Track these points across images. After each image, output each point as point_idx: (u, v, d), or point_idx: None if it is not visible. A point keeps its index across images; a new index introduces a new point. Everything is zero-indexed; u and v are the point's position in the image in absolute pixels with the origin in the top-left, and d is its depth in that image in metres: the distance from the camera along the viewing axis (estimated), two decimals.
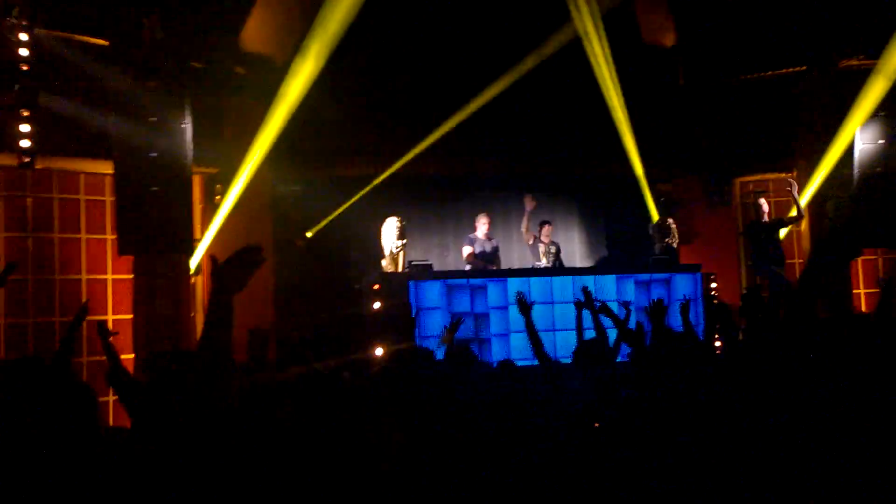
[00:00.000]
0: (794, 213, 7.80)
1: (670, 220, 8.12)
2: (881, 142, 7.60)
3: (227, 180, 7.37)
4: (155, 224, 6.40)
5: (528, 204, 8.06)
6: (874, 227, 7.74)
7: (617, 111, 7.74)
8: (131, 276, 7.04)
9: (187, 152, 6.49)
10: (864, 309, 8.26)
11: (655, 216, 8.24)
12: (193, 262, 7.28)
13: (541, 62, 7.60)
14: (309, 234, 8.18)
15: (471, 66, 7.79)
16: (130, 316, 6.96)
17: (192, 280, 7.52)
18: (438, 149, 7.76)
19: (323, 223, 8.10)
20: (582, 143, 8.10)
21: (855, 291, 8.35)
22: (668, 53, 8.23)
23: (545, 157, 8.29)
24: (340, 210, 8.04)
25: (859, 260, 8.49)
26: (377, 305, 7.03)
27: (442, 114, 7.63)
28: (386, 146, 7.90)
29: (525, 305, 4.06)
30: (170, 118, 6.34)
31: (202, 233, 7.46)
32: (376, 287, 7.35)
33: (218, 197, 7.56)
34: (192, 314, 7.47)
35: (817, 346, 3.50)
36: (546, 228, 8.09)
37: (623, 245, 8.70)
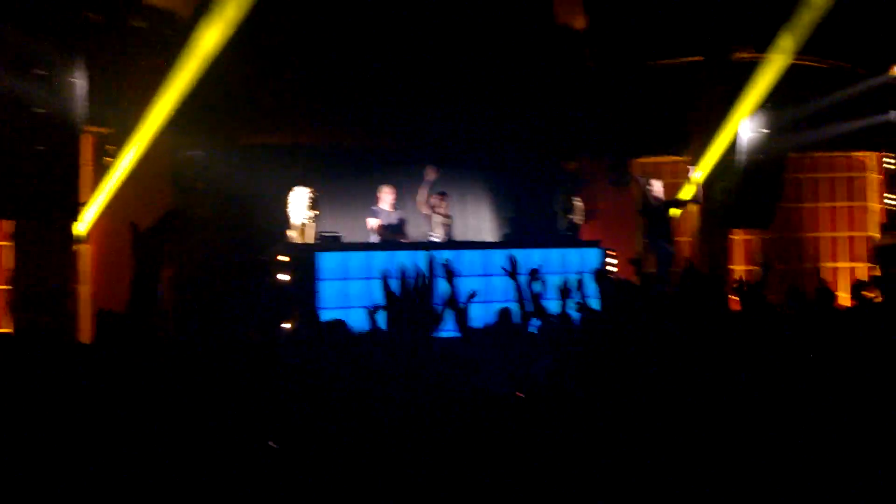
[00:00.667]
0: (687, 195, 8.33)
1: (575, 198, 8.42)
2: (765, 131, 8.22)
3: (122, 142, 6.90)
4: (36, 186, 5.90)
5: (429, 174, 8.02)
6: (751, 209, 8.42)
7: (526, 89, 7.91)
8: (9, 244, 6.55)
9: (78, 110, 6.03)
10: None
11: (559, 195, 8.53)
12: (81, 228, 6.80)
13: (454, 37, 7.61)
14: (212, 202, 7.81)
15: (385, 36, 7.67)
16: (5, 287, 6.44)
17: (77, 248, 7.01)
18: (348, 120, 7.63)
19: (226, 190, 7.75)
20: (493, 119, 8.19)
21: (732, 267, 9.06)
22: (578, 37, 8.45)
23: (456, 131, 8.32)
24: (245, 178, 7.72)
25: (739, 239, 9.21)
26: (285, 277, 6.88)
27: (353, 84, 7.48)
28: (295, 115, 7.66)
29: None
30: (60, 72, 5.85)
31: (90, 196, 6.94)
32: (283, 258, 7.19)
33: (108, 158, 7.06)
34: (76, 285, 6.97)
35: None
36: (442, 200, 8.08)
37: (531, 221, 8.94)
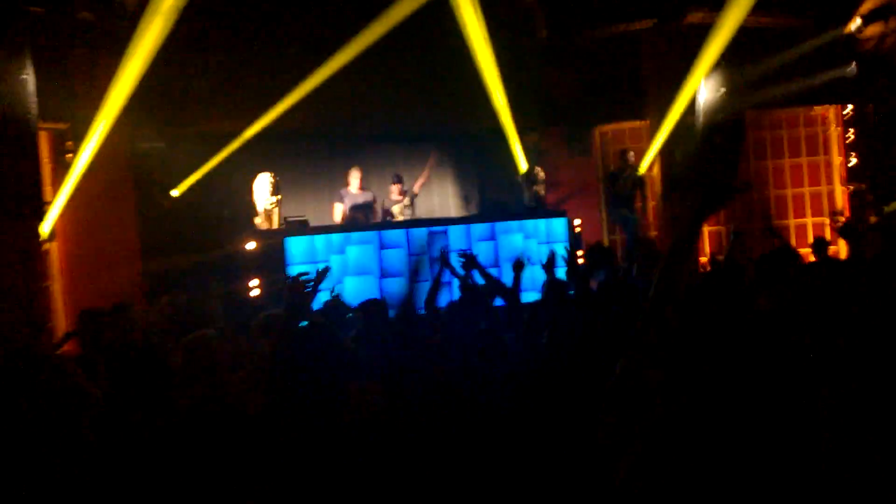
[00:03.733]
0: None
1: (538, 169, 8.47)
2: (722, 90, 8.27)
3: (79, 136, 6.87)
4: None
5: (431, 159, 8.23)
6: (714, 170, 8.48)
7: (485, 64, 7.89)
8: None
9: (30, 106, 6.01)
10: (706, 251, 9.08)
11: (522, 167, 8.55)
12: (46, 227, 6.78)
13: (409, 13, 7.57)
14: (175, 193, 7.82)
15: (340, 17, 7.63)
16: None
17: (45, 247, 6.99)
18: (309, 102, 7.60)
19: (190, 180, 7.75)
20: (452, 95, 8.21)
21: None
22: (531, 7, 8.45)
23: (414, 108, 8.34)
24: (208, 167, 7.73)
25: None
26: (251, 245, 6.90)
27: (310, 66, 7.46)
28: (254, 100, 7.64)
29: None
30: (7, 69, 5.82)
31: (53, 194, 6.93)
32: (251, 246, 7.20)
33: (69, 155, 7.04)
34: (45, 284, 6.96)
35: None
36: (395, 185, 8.13)
37: (496, 194, 8.99)
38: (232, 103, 7.72)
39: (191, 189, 7.80)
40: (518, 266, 3.97)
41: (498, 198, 8.87)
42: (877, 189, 9.01)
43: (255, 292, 6.92)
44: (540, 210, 8.25)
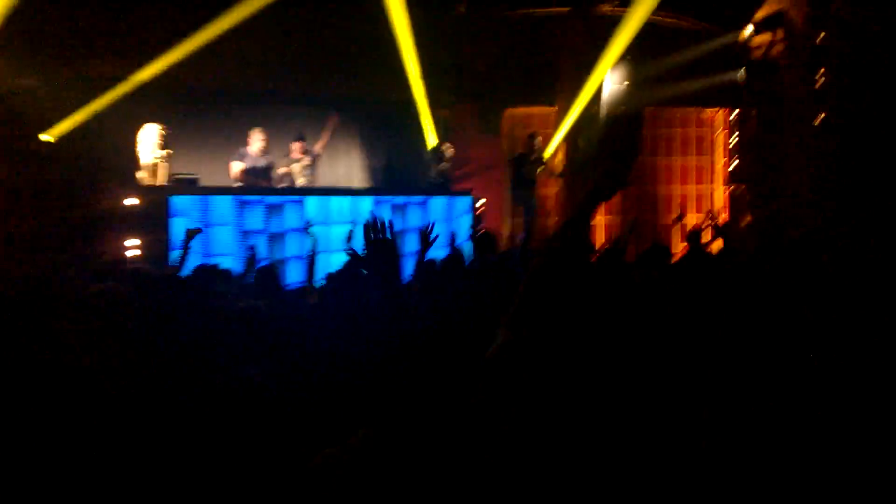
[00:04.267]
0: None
1: (446, 146, 8.35)
2: (626, 83, 8.50)
3: None
4: None
5: (332, 121, 7.89)
6: (609, 161, 8.71)
7: (401, 33, 7.66)
8: None
9: None
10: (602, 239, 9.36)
11: (431, 142, 8.41)
12: None
13: None
14: (46, 138, 6.99)
15: None
16: None
17: None
18: (210, 56, 7.05)
19: (66, 125, 6.96)
20: (365, 65, 7.91)
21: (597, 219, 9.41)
22: None
23: (328, 75, 7.97)
24: (88, 111, 6.97)
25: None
26: (132, 202, 6.34)
27: (213, 15, 6.91)
28: (147, 45, 6.97)
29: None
30: None
31: None
32: (132, 202, 6.60)
33: None
34: None
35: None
36: (297, 145, 7.76)
37: (402, 169, 8.79)
38: (122, 45, 7.02)
39: (67, 135, 7.01)
40: (425, 237, 3.87)
41: (404, 172, 8.67)
42: (755, 190, 9.63)
43: (132, 253, 6.36)
44: (445, 187, 8.14)
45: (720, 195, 10.12)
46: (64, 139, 6.96)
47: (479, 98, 8.88)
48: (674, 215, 9.80)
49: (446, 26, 8.37)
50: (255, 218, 6.85)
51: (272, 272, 4.07)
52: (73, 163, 6.97)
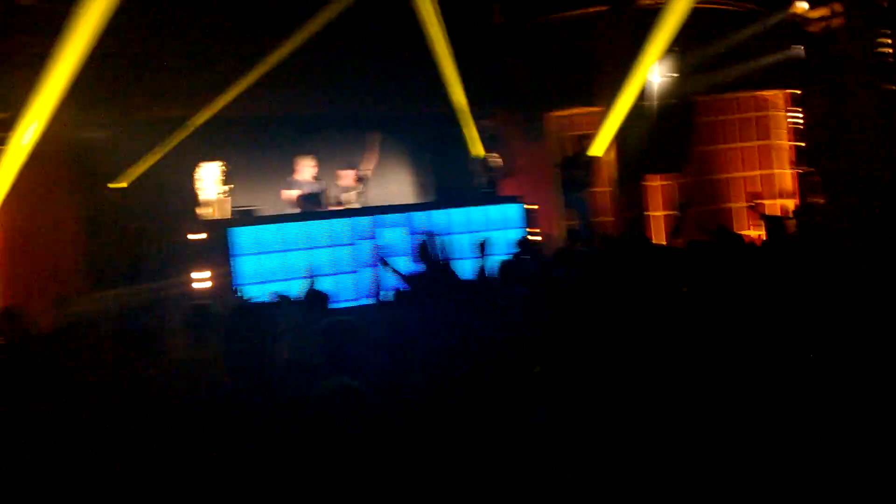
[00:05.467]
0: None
1: (492, 155, 8.45)
2: (674, 75, 8.34)
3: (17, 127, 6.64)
4: None
5: (373, 142, 8.01)
6: (665, 154, 8.56)
7: (439, 48, 7.83)
8: None
9: None
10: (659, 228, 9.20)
11: (479, 151, 8.54)
12: None
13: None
14: (119, 184, 7.63)
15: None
16: None
17: None
18: (257, 88, 7.47)
19: (136, 171, 7.57)
20: (405, 81, 8.13)
21: (650, 214, 9.27)
22: None
23: (369, 94, 8.25)
24: (155, 157, 7.56)
25: (655, 186, 9.39)
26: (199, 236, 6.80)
27: (259, 51, 7.32)
28: (199, 86, 7.47)
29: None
30: None
31: None
32: (199, 237, 7.07)
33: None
34: None
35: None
36: (348, 173, 7.90)
37: (450, 180, 8.96)
38: (176, 90, 7.53)
39: (137, 180, 7.62)
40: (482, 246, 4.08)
41: (452, 184, 8.84)
42: (824, 172, 9.21)
43: (202, 285, 6.80)
44: (493, 196, 8.24)
45: (787, 178, 9.73)
46: (133, 184, 7.57)
47: (522, 104, 8.92)
48: (738, 202, 9.53)
49: (483, 35, 8.47)
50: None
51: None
52: (145, 205, 7.58)
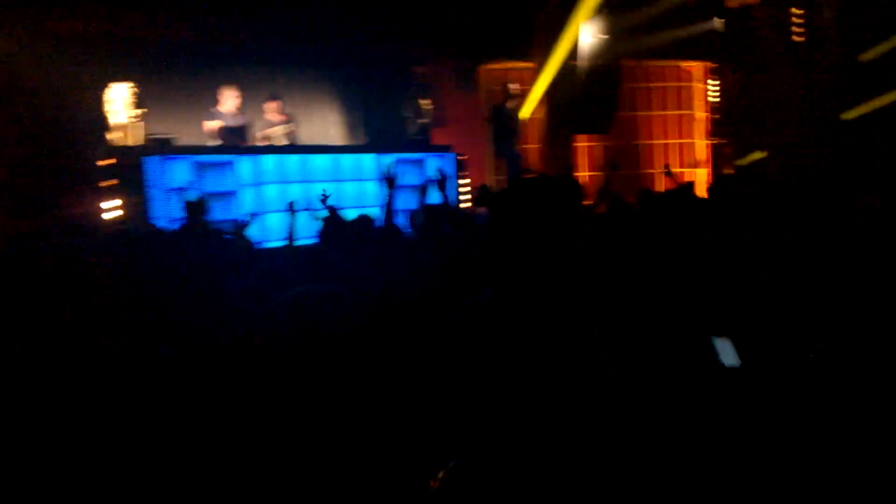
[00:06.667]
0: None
1: (424, 102, 8.26)
2: (603, 36, 8.43)
3: None
4: None
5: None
6: (589, 114, 8.66)
7: None
8: None
9: None
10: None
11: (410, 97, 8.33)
12: None
13: None
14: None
15: None
16: None
17: None
18: (182, 11, 6.93)
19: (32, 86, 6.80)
20: (340, 19, 7.79)
21: (577, 174, 9.37)
22: None
23: (301, 30, 7.83)
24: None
25: (583, 146, 9.51)
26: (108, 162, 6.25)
27: None
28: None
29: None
30: None
31: None
32: (109, 162, 6.46)
33: None
34: None
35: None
36: (273, 105, 7.51)
37: (381, 125, 8.68)
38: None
39: (39, 95, 6.86)
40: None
41: (382, 129, 8.56)
42: (735, 143, 9.63)
43: (111, 214, 6.25)
44: (425, 143, 8.05)
45: (702, 148, 10.12)
46: (37, 101, 6.81)
47: (456, 54, 8.78)
48: (656, 169, 9.82)
49: None
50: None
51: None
52: (49, 125, 6.83)
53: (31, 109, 6.83)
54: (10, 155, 6.65)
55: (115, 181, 6.43)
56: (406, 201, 6.68)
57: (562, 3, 8.42)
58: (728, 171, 9.69)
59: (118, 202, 6.31)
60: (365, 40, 7.94)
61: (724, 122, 9.80)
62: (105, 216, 6.28)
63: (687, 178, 9.47)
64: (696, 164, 9.98)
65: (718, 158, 9.88)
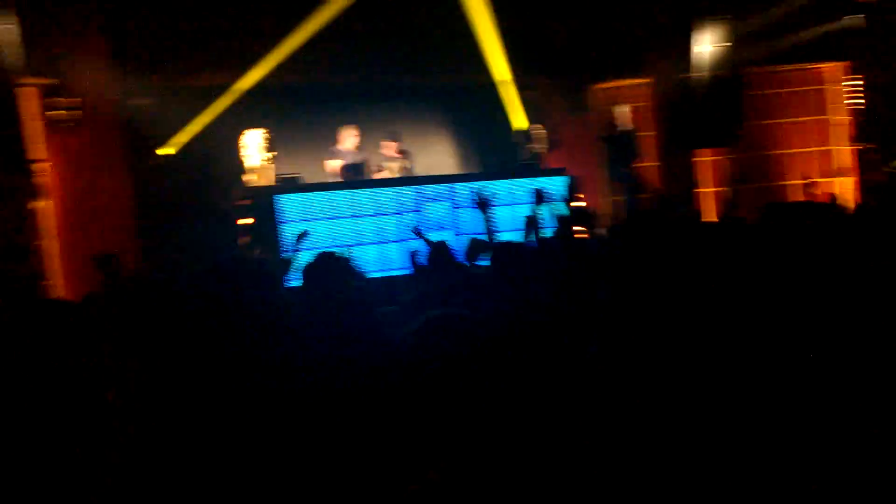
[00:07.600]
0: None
1: (537, 126, 8.33)
2: (724, 45, 8.10)
3: (69, 93, 6.82)
4: None
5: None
6: (713, 128, 8.30)
7: (480, 15, 7.77)
8: None
9: (13, 59, 5.97)
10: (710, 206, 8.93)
11: (522, 123, 8.42)
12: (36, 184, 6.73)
13: None
14: (165, 151, 7.73)
15: None
16: None
17: (38, 205, 6.95)
18: (300, 58, 7.52)
19: (181, 138, 7.67)
20: (444, 50, 8.07)
21: (700, 191, 9.00)
22: None
23: (409, 65, 8.21)
24: (199, 124, 7.65)
25: (707, 161, 9.12)
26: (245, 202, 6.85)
27: (300, 19, 7.36)
28: (245, 54, 7.55)
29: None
30: None
31: (41, 151, 6.86)
32: (245, 202, 7.12)
33: (58, 112, 6.97)
34: (38, 242, 6.92)
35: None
36: (391, 144, 7.86)
37: (490, 152, 8.86)
38: (223, 53, 7.62)
39: (183, 146, 7.73)
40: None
41: (495, 156, 8.73)
42: (883, 147, 8.83)
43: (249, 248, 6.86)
44: (536, 168, 8.11)
45: (845, 154, 9.34)
46: (179, 152, 7.67)
47: (564, 76, 8.76)
48: (793, 178, 9.19)
49: (526, 5, 8.36)
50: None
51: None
52: (189, 173, 7.67)
53: (178, 156, 7.71)
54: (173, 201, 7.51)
55: (251, 219, 7.08)
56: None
57: (676, 15, 8.19)
58: (877, 177, 8.89)
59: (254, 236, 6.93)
60: (475, 70, 8.15)
61: (869, 125, 9.01)
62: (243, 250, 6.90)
63: (829, 189, 8.81)
64: (838, 173, 9.23)
65: (865, 165, 9.08)
